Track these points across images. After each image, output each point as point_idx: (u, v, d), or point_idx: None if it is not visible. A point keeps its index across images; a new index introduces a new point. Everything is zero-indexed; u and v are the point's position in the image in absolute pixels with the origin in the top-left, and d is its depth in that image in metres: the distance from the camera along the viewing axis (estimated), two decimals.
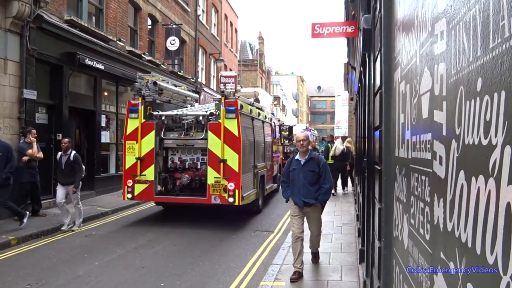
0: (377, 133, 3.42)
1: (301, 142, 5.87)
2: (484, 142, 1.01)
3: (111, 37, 13.56)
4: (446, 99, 1.36)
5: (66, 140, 8.94)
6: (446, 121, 1.35)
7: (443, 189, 1.37)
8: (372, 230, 3.89)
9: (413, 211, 1.92)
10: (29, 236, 8.12)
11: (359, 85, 8.07)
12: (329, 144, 15.56)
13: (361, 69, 6.51)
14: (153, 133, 9.40)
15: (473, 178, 1.08)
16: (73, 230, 8.80)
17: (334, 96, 44.87)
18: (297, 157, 6.02)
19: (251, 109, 10.69)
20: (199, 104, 14.27)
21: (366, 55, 5.14)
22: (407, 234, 2.05)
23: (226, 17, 30.02)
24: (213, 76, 27.08)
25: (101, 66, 12.75)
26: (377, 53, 3.37)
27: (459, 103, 1.20)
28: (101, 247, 7.69)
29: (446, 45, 1.37)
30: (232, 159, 8.93)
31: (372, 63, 4.17)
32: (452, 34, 1.29)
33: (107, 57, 13.34)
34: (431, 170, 1.56)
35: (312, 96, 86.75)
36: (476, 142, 1.07)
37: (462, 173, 1.19)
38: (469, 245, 1.09)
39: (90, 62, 12.17)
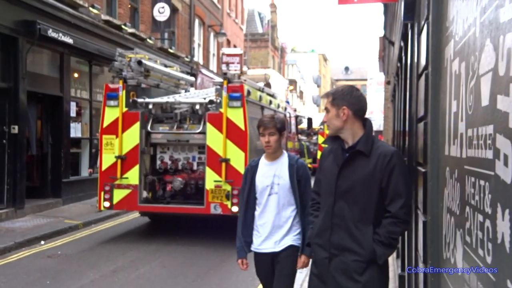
0: (421, 125, 3.41)
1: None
2: None
3: (81, 3, 13.54)
4: None
5: None
6: None
7: (509, 197, 1.36)
8: (415, 251, 3.88)
9: (469, 226, 1.91)
10: None
11: (399, 64, 8.03)
12: None
13: (402, 43, 6.47)
14: (137, 125, 9.43)
15: None
16: None
17: (365, 80, 44.70)
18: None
19: (260, 96, 10.70)
20: (195, 89, 14.28)
21: (409, 26, 5.13)
22: (462, 255, 2.04)
23: None
24: (213, 54, 27.12)
25: (69, 40, 12.73)
26: (423, 22, 3.37)
27: None
28: (68, 270, 7.74)
29: None
30: (237, 158, 8.94)
31: (416, 36, 4.15)
32: None
33: (77, 28, 13.35)
34: (492, 173, 1.55)
35: (337, 80, 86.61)
36: None
37: None
38: None
39: (54, 34, 12.08)
